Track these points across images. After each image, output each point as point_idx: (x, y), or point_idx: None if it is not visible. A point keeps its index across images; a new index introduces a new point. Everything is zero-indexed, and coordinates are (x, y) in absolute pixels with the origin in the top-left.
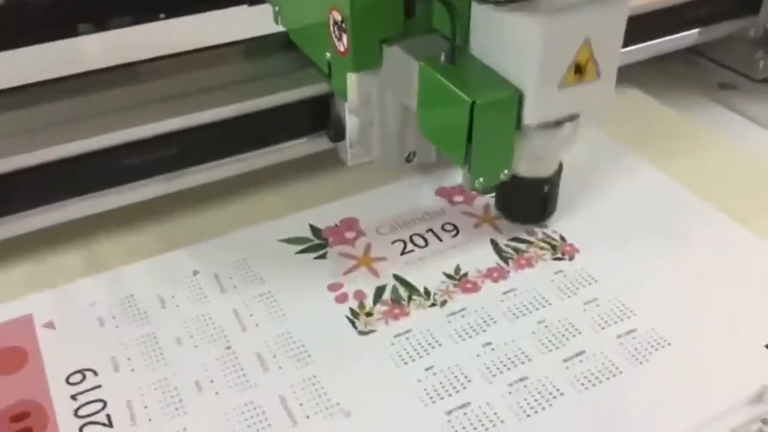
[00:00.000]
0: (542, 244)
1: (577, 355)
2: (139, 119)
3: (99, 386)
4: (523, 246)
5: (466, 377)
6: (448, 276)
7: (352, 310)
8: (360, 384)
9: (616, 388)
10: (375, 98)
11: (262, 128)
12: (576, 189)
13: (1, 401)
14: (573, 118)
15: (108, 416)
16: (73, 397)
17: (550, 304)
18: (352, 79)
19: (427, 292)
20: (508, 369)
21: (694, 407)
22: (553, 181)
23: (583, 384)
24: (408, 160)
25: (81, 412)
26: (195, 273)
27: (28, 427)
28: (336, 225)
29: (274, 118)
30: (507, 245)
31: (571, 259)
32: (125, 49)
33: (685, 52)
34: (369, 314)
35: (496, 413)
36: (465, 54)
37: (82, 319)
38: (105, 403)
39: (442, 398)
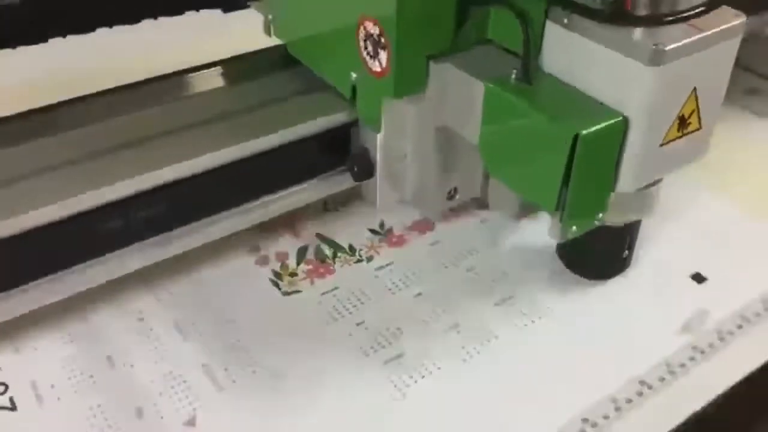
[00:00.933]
0: None
1: (508, 299)
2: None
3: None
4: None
5: (398, 329)
6: (374, 231)
7: (274, 272)
8: (288, 344)
9: (546, 326)
10: (411, 127)
11: (266, 171)
12: None
13: None
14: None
15: (11, 399)
16: None
17: (478, 251)
18: (390, 105)
19: (353, 249)
20: (439, 318)
21: (624, 337)
22: (634, 227)
23: (515, 324)
24: (450, 197)
25: None
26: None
27: None
28: None
29: (278, 159)
30: None
31: None
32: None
33: None
34: (292, 274)
35: (434, 361)
36: (539, 72)
37: None
38: (6, 386)
39: (376, 351)
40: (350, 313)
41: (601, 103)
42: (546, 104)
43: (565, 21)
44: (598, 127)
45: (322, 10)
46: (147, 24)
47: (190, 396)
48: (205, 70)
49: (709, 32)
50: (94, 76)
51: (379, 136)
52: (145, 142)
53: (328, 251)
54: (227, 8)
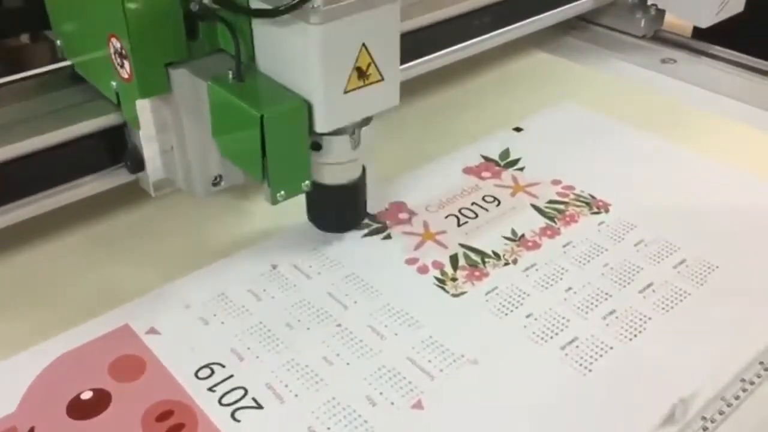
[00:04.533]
0: (577, 203)
1: (648, 286)
2: None
3: (231, 376)
4: (561, 206)
5: (563, 317)
6: (508, 239)
7: (437, 278)
8: (474, 337)
9: (688, 308)
10: (171, 123)
11: (54, 165)
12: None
13: (140, 404)
14: (366, 122)
15: (254, 399)
16: (211, 389)
17: (606, 249)
18: (141, 105)
19: (496, 254)
20: (597, 306)
21: (750, 316)
22: (359, 187)
23: (663, 308)
24: (215, 183)
25: (225, 401)
26: (274, 267)
27: (180, 423)
28: (387, 208)
29: (66, 154)
30: (548, 207)
31: (606, 211)
32: None
33: (577, 21)
34: (454, 279)
35: (603, 341)
36: (253, 71)
37: (184, 321)
38: (246, 390)
39: (551, 337)
40: (516, 307)
41: (292, 92)
42: (248, 95)
43: (261, 24)
44: (280, 109)
45: (86, 33)
46: None
47: (411, 384)
48: (16, 84)
49: None
50: None
51: (141, 133)
52: None
53: (476, 257)
54: (33, 38)
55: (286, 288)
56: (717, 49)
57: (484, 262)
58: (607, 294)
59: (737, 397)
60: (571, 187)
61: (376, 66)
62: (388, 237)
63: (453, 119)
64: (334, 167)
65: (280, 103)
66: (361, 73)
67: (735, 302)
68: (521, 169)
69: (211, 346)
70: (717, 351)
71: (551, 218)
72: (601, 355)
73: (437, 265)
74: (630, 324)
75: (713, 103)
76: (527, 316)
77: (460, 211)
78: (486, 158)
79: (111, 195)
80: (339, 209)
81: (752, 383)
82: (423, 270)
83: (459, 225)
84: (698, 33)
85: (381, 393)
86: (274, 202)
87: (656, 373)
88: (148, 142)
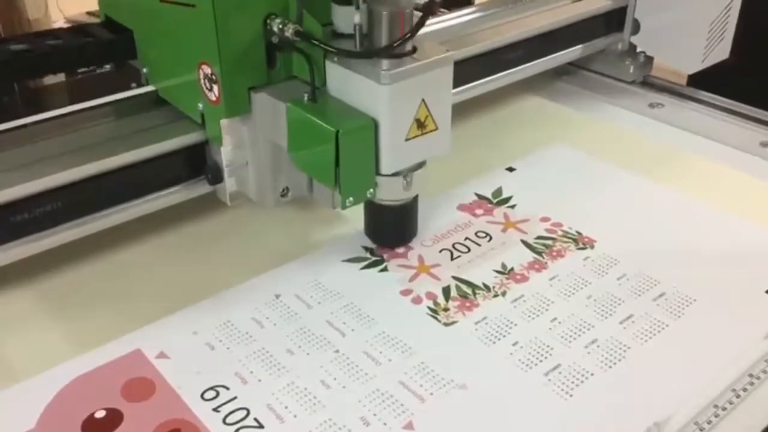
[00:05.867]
0: (565, 239)
1: (629, 317)
2: (28, 176)
3: (235, 397)
4: (549, 242)
5: (548, 346)
6: (498, 272)
7: (430, 308)
8: (463, 363)
9: (666, 339)
10: (247, 141)
11: (145, 177)
12: (550, 191)
13: (150, 423)
14: (420, 166)
15: (256, 419)
16: (216, 409)
17: (590, 283)
18: (224, 124)
19: (487, 287)
20: (580, 335)
21: (721, 346)
22: (412, 207)
23: (642, 338)
24: (282, 195)
25: (229, 420)
26: (277, 296)
27: None
28: None
29: (154, 168)
30: (536, 242)
31: (592, 247)
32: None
33: (569, 66)
34: (446, 309)
35: (584, 368)
36: (325, 94)
37: (192, 347)
38: (248, 410)
39: (536, 364)
40: (504, 336)
41: (360, 112)
42: (323, 114)
43: (335, 60)
44: (352, 125)
45: (174, 61)
46: None
47: (402, 407)
48: (99, 109)
49: (425, 61)
50: None
51: (223, 150)
52: (55, 157)
53: (467, 289)
54: (118, 66)
55: (288, 316)
56: (703, 95)
57: (474, 294)
58: (589, 324)
59: (709, 422)
60: (559, 224)
61: (432, 118)
62: (385, 270)
63: (449, 159)
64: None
65: (352, 121)
66: (419, 124)
67: (710, 333)
68: (513, 206)
69: (217, 370)
70: (692, 379)
71: (539, 253)
72: (582, 381)
73: (430, 296)
74: (610, 352)
75: (697, 145)
76: (514, 344)
77: (453, 245)
78: (479, 196)
79: (189, 204)
80: (393, 227)
81: (724, 409)
82: (417, 301)
83: (452, 259)
84: (691, 79)
85: (374, 414)
86: (344, 207)
87: (633, 398)
88: (228, 157)
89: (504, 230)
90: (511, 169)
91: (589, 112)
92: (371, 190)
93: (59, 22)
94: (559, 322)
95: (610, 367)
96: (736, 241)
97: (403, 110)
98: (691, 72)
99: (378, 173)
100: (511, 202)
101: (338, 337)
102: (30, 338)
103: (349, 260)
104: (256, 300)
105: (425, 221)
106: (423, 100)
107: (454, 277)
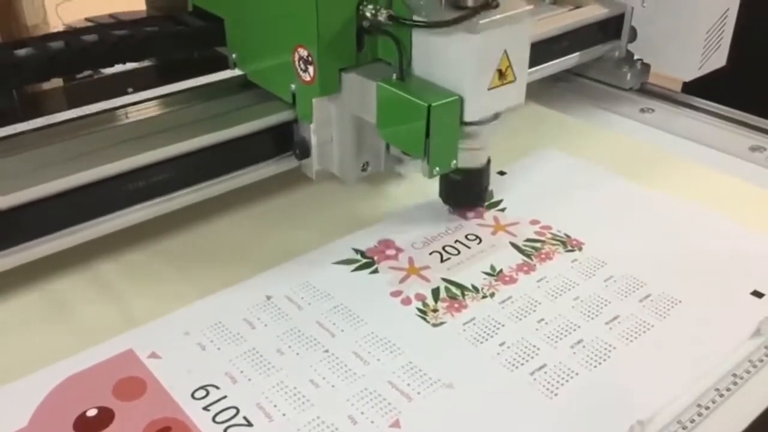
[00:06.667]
0: (553, 242)
1: (615, 318)
2: (138, 150)
3: (225, 396)
4: (538, 244)
5: (534, 346)
6: (487, 274)
7: (419, 309)
8: (450, 363)
9: (651, 339)
10: (333, 119)
11: (236, 154)
12: (540, 194)
13: (140, 421)
14: (496, 117)
15: (245, 417)
16: (206, 408)
17: (578, 284)
18: (316, 103)
19: (475, 288)
20: (566, 336)
21: (706, 346)
22: (486, 170)
23: (627, 338)
24: (363, 169)
25: (218, 419)
26: (268, 298)
27: None
28: (375, 245)
29: (247, 144)
30: (525, 245)
31: (580, 250)
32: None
33: (566, 74)
34: (435, 310)
35: (569, 368)
36: (410, 74)
37: (183, 347)
38: (238, 409)
39: (522, 364)
40: (491, 337)
41: (447, 89)
42: (413, 91)
43: (422, 32)
44: (442, 101)
45: (268, 46)
46: None
47: (390, 405)
48: (193, 91)
49: (509, 13)
50: None
51: (312, 126)
52: (158, 133)
53: (456, 291)
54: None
55: (279, 317)
56: (698, 101)
57: (463, 295)
58: (575, 325)
59: (692, 421)
60: (548, 227)
61: (512, 69)
62: (376, 271)
63: None
64: (473, 152)
65: (441, 96)
66: (501, 74)
67: (694, 334)
68: (503, 209)
69: (207, 370)
70: (676, 378)
71: (528, 255)
72: (567, 381)
73: (420, 297)
74: (595, 352)
75: (687, 150)
76: (501, 345)
77: (444, 248)
78: None
79: (275, 179)
80: (470, 188)
81: (707, 408)
82: (406, 302)
83: (442, 261)
84: (685, 85)
85: (362, 413)
86: (431, 176)
87: (617, 397)
88: (316, 133)
89: (494, 233)
90: (501, 173)
91: (583, 117)
92: (455, 161)
93: (58, 28)
94: (546, 323)
95: (595, 366)
96: (723, 243)
97: (488, 59)
98: (688, 79)
99: (461, 122)
100: (501, 206)
101: (328, 338)
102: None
103: (340, 262)
104: (248, 301)
105: (417, 225)
106: (505, 51)
107: (444, 279)
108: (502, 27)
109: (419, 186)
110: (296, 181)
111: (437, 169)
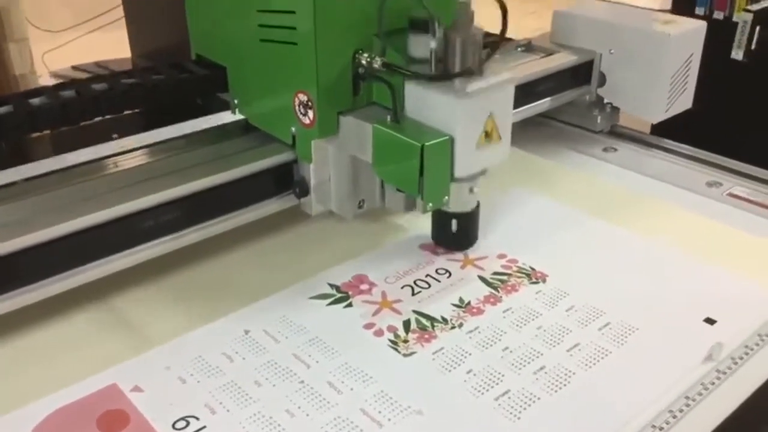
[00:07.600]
0: (519, 274)
1: (575, 346)
2: (148, 191)
3: (204, 427)
4: (504, 277)
5: (499, 373)
6: (456, 305)
7: (390, 340)
8: (420, 390)
9: (609, 365)
10: (331, 159)
11: (240, 193)
12: (508, 230)
13: None
14: (484, 171)
15: None
16: None
17: (541, 314)
18: (315, 144)
19: (444, 319)
20: (529, 363)
21: (660, 371)
22: (476, 214)
23: (587, 364)
24: (359, 206)
25: None
26: (246, 332)
27: None
28: (350, 280)
29: (249, 185)
30: (492, 278)
31: (544, 281)
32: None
33: (539, 117)
34: (405, 341)
35: (532, 393)
36: (403, 117)
37: (165, 381)
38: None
39: (487, 390)
40: (459, 365)
41: (439, 130)
42: (407, 132)
43: (414, 84)
44: (434, 141)
45: (269, 91)
46: None
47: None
48: (198, 135)
49: (494, 80)
50: None
51: (312, 166)
52: (165, 175)
53: (426, 322)
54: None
55: (257, 350)
56: (665, 141)
57: (433, 326)
58: (538, 352)
59: None
60: (515, 260)
61: (497, 129)
62: (350, 305)
63: None
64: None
65: (433, 136)
66: (487, 135)
67: (650, 359)
68: None
69: (188, 402)
70: (632, 401)
71: (495, 287)
72: (529, 405)
73: (391, 328)
74: (556, 378)
75: (648, 186)
76: (468, 372)
77: (415, 282)
78: None
79: (275, 216)
80: (459, 232)
81: (661, 429)
82: (379, 333)
83: (413, 294)
84: (654, 127)
85: None
86: (426, 211)
87: (576, 419)
88: (315, 173)
89: (463, 267)
90: None
91: (554, 158)
92: (447, 197)
93: (44, 77)
94: (511, 351)
95: (556, 391)
96: (679, 275)
97: (474, 122)
98: (655, 122)
99: (452, 179)
100: None
101: (303, 369)
102: None
103: (316, 297)
104: (227, 335)
105: (390, 260)
106: (491, 113)
107: (415, 311)
108: (489, 93)
109: (393, 224)
110: (278, 224)
111: (431, 205)
